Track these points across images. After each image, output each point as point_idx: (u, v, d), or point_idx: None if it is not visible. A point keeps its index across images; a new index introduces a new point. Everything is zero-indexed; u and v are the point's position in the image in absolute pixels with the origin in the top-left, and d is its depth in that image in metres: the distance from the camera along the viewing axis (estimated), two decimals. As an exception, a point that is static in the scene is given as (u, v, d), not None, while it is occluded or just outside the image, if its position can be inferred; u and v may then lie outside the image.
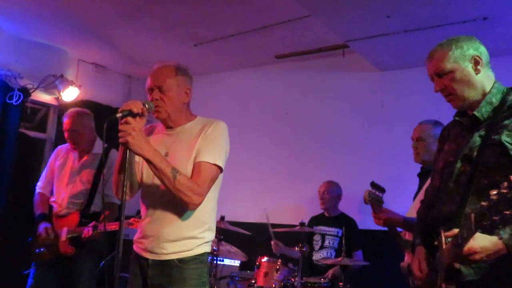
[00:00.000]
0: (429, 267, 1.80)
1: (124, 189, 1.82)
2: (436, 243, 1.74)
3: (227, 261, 4.43)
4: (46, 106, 5.06)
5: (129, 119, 1.84)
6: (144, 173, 2.12)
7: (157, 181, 2.02)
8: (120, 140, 1.84)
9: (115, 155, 3.30)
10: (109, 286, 1.77)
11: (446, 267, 1.64)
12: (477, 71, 1.80)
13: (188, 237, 2.05)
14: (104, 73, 5.51)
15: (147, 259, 2.07)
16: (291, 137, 4.97)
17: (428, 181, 2.80)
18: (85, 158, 3.37)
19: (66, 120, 3.33)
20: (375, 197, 2.55)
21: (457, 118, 1.93)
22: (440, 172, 1.89)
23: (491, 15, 3.30)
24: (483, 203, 1.33)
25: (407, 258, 2.78)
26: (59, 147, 3.58)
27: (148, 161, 1.90)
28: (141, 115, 1.88)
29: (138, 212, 6.42)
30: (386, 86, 4.55)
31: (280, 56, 4.87)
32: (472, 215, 1.38)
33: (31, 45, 4.72)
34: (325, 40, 4.37)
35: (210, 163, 2.02)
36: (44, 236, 3.18)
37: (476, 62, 1.80)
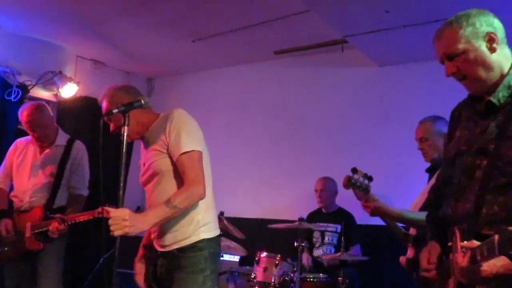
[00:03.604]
0: (440, 265, 1.67)
1: (121, 184, 1.84)
2: (450, 243, 1.59)
3: (226, 257, 4.44)
4: (45, 102, 5.05)
5: (112, 211, 1.88)
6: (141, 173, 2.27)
7: (150, 180, 2.21)
8: (115, 234, 1.86)
9: (79, 146, 3.29)
10: (107, 282, 1.77)
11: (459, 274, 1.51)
12: (492, 49, 1.59)
13: (182, 226, 2.14)
14: (103, 70, 5.49)
15: (157, 251, 2.24)
16: (290, 133, 4.97)
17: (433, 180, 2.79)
18: (47, 150, 3.26)
19: (29, 117, 3.17)
20: (356, 183, 2.50)
21: (470, 101, 1.71)
22: (451, 162, 1.70)
23: (490, 10, 3.29)
24: (510, 228, 1.21)
25: (409, 252, 2.74)
26: (19, 139, 3.44)
27: (156, 224, 2.04)
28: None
29: (138, 208, 6.38)
30: (385, 81, 4.54)
31: (279, 52, 4.86)
32: (496, 237, 1.23)
33: (30, 42, 4.71)
34: (324, 35, 4.37)
35: (190, 152, 2.10)
36: (5, 234, 3.05)
37: (490, 40, 1.59)
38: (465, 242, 1.45)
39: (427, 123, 2.87)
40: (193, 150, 2.10)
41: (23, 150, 3.32)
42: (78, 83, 4.88)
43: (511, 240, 1.19)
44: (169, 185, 2.17)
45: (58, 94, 4.84)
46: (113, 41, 4.80)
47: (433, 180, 2.71)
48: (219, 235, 2.26)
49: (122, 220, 1.85)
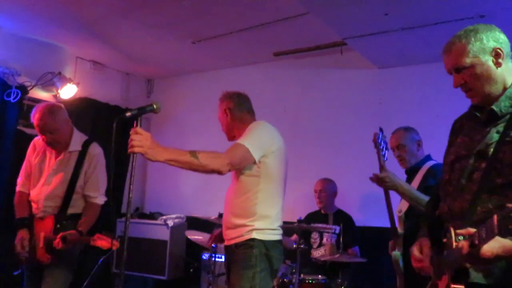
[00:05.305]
0: (432, 262, 1.70)
1: (131, 186, 1.84)
2: (445, 240, 1.61)
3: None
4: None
5: (139, 129, 1.90)
6: None
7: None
8: (135, 150, 1.88)
9: (95, 151, 3.13)
10: (110, 283, 1.78)
11: (455, 266, 1.54)
12: (498, 64, 1.67)
13: (239, 225, 2.47)
14: (102, 71, 5.50)
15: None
16: (289, 134, 4.94)
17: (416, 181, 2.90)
18: (61, 156, 3.11)
19: (39, 121, 3.01)
20: (380, 144, 2.68)
21: (473, 111, 1.79)
22: (450, 165, 1.78)
23: (488, 12, 3.31)
24: (509, 205, 1.21)
25: (397, 250, 2.88)
26: (37, 138, 3.25)
27: (169, 162, 2.03)
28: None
29: (137, 209, 6.34)
30: (384, 83, 4.56)
31: (278, 54, 4.88)
32: (495, 216, 1.26)
33: (29, 43, 4.71)
34: (323, 37, 4.38)
35: (238, 143, 2.40)
36: (19, 250, 2.98)
37: (497, 55, 1.67)
38: (460, 230, 1.49)
39: (401, 132, 3.10)
40: (244, 145, 2.36)
41: (41, 151, 3.19)
42: (77, 84, 4.88)
43: (510, 218, 1.20)
44: (232, 185, 2.54)
45: (58, 95, 4.83)
46: (113, 42, 4.81)
47: (419, 177, 2.92)
48: (277, 241, 2.50)
49: (145, 140, 1.89)
